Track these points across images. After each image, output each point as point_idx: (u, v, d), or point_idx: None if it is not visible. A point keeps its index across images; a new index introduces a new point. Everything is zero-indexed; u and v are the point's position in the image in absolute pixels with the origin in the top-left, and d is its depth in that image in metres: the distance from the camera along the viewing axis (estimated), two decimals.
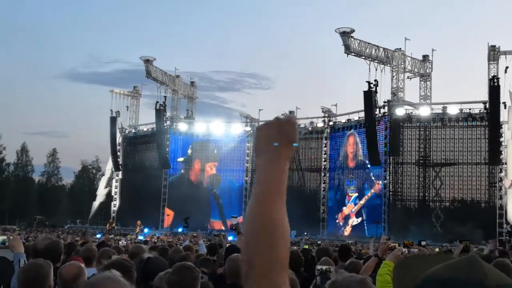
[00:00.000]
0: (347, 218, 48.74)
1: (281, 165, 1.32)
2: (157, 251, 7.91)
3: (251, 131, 54.74)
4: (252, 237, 1.25)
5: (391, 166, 45.74)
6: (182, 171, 57.37)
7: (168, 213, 54.84)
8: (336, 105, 53.22)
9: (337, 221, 49.56)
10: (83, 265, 4.63)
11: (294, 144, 1.38)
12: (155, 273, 4.60)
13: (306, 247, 14.53)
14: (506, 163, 41.78)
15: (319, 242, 26.06)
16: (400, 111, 45.93)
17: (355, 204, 48.22)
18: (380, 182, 46.03)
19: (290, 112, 56.50)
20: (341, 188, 50.25)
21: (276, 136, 1.36)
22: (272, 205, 1.26)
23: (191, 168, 57.53)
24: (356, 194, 48.31)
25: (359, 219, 47.38)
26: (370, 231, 43.64)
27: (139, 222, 42.10)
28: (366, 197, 47.47)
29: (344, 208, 49.12)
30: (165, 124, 55.26)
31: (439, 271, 0.98)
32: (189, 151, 57.23)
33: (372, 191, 46.91)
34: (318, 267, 5.39)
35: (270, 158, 1.33)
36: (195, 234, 12.96)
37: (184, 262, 4.59)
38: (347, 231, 47.92)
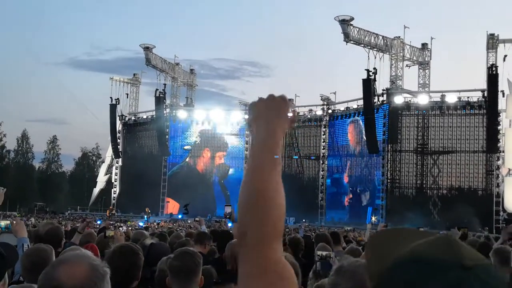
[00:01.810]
0: (346, 202, 49.18)
1: (276, 138, 1.35)
2: (156, 237, 8.04)
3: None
4: (245, 207, 1.26)
5: (389, 154, 45.85)
6: (188, 159, 57.40)
7: (172, 203, 54.79)
8: (335, 93, 53.32)
9: (346, 204, 49.55)
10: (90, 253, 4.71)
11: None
12: (158, 258, 4.71)
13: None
14: (503, 151, 41.93)
15: (321, 229, 26.20)
16: (398, 99, 45.97)
17: (353, 189, 48.49)
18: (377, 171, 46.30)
19: (289, 100, 56.36)
20: (341, 175, 50.38)
21: (271, 110, 1.39)
22: (266, 176, 1.27)
23: (199, 157, 57.55)
24: (355, 179, 48.52)
25: (358, 203, 47.64)
26: (368, 218, 43.85)
27: (147, 209, 42.36)
28: (364, 182, 47.77)
29: (345, 196, 49.24)
30: (164, 112, 55.27)
31: (414, 250, 0.95)
32: (198, 139, 57.16)
33: (369, 177, 47.13)
34: (318, 252, 5.40)
35: (265, 131, 1.35)
36: (197, 219, 13.05)
37: (186, 247, 4.66)
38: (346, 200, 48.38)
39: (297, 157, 53.33)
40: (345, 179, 49.89)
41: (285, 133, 1.40)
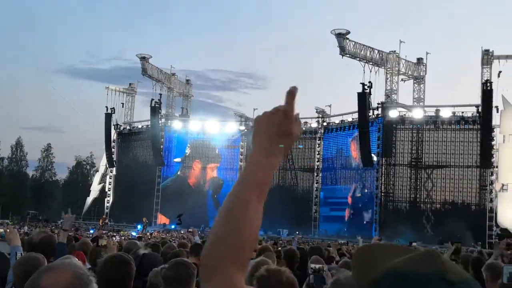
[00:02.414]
0: (344, 216, 48.82)
1: (268, 160, 1.30)
2: (149, 247, 8.02)
3: (245, 130, 54.76)
4: (216, 235, 1.22)
5: (383, 168, 45.89)
6: (179, 172, 57.18)
7: (162, 218, 54.57)
8: (330, 106, 53.44)
9: (346, 219, 49.26)
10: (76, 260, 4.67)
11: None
12: (151, 269, 4.70)
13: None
14: (497, 167, 42.04)
15: (315, 242, 26.15)
16: (393, 113, 46.09)
17: (351, 202, 48.34)
18: (371, 184, 46.18)
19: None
20: (336, 188, 50.29)
21: (271, 126, 1.33)
22: (245, 205, 1.23)
23: (190, 169, 57.36)
24: (352, 193, 48.36)
25: (355, 217, 47.37)
26: (362, 231, 43.76)
27: (144, 218, 42.25)
28: (359, 195, 47.65)
29: (346, 208, 48.96)
30: (160, 122, 55.21)
31: (399, 265, 0.95)
32: (187, 151, 57.01)
33: (365, 190, 47.04)
34: (311, 265, 5.41)
35: (258, 151, 1.31)
36: (190, 230, 13.02)
37: (180, 258, 4.66)
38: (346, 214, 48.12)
39: (291, 169, 53.27)
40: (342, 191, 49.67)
41: (290, 147, 1.35)
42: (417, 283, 0.91)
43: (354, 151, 48.49)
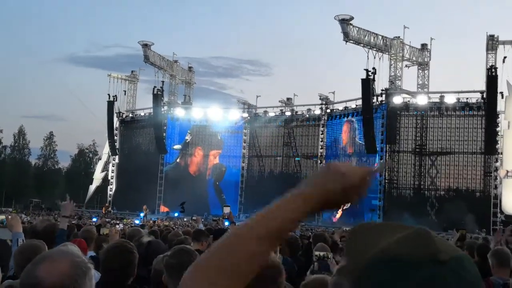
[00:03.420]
0: None
1: (300, 210, 1.16)
2: (151, 234, 7.99)
3: (248, 117, 54.76)
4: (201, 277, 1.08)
5: (387, 154, 45.77)
6: (178, 160, 57.13)
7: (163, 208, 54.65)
8: (333, 93, 53.23)
9: (350, 206, 49.12)
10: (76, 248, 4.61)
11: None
12: (155, 256, 4.65)
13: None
14: (501, 153, 41.94)
15: (318, 229, 26.16)
16: (397, 100, 45.92)
17: None
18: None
19: (288, 99, 56.48)
20: None
21: (340, 186, 1.20)
22: (255, 245, 1.09)
23: (191, 156, 57.30)
24: None
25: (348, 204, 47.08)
26: (366, 219, 43.78)
27: (145, 206, 42.37)
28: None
29: None
30: (162, 109, 55.15)
31: (388, 248, 0.93)
32: (188, 137, 56.93)
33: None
34: (316, 253, 5.37)
35: (298, 195, 1.16)
36: (194, 218, 13.04)
37: (182, 245, 4.61)
38: (338, 214, 47.83)
39: (299, 158, 53.25)
40: None
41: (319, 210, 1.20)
42: (409, 266, 0.89)
43: (345, 134, 48.58)
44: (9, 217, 6.16)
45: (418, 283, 0.87)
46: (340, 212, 47.41)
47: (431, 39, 50.57)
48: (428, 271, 0.88)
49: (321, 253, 5.42)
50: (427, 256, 0.89)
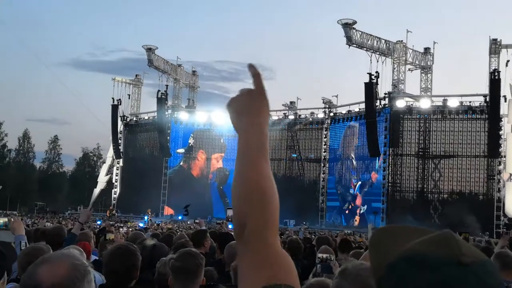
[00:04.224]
0: (355, 207, 48.46)
1: (264, 131, 1.32)
2: (153, 236, 8.04)
3: None
4: (243, 200, 1.24)
5: (390, 158, 45.80)
6: (181, 163, 57.20)
7: (167, 210, 54.72)
8: (337, 96, 53.28)
9: (346, 212, 49.21)
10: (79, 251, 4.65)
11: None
12: (159, 259, 4.70)
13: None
14: (505, 156, 41.88)
15: (321, 232, 26.23)
16: (400, 103, 45.93)
17: (360, 193, 48.14)
18: (376, 175, 46.09)
19: (291, 102, 56.52)
20: (344, 178, 50.29)
21: (252, 103, 1.37)
22: (260, 169, 1.26)
23: (194, 160, 57.38)
24: (360, 183, 48.26)
25: (365, 207, 47.18)
26: (369, 222, 43.75)
27: (149, 210, 42.46)
28: (366, 186, 47.56)
29: (355, 198, 48.76)
30: (166, 113, 55.26)
31: (413, 248, 0.95)
32: (191, 141, 57.01)
33: (371, 181, 46.98)
34: (319, 255, 5.41)
35: (250, 123, 1.33)
36: (197, 221, 13.07)
37: (188, 248, 4.65)
38: (357, 220, 47.74)
39: (295, 155, 53.29)
40: (351, 181, 49.56)
41: (267, 124, 1.36)
42: (432, 266, 0.90)
43: (349, 137, 48.61)
44: (12, 220, 6.21)
45: (439, 283, 0.89)
46: (358, 217, 47.70)
47: (434, 43, 50.71)
48: (450, 272, 0.89)
49: (324, 255, 5.47)
50: (450, 258, 0.90)
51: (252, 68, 1.43)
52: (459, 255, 0.91)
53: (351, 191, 49.21)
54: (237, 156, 1.33)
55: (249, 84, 1.45)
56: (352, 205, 48.72)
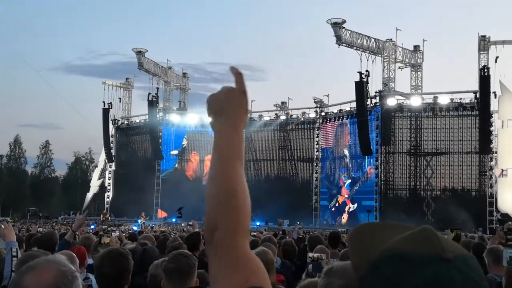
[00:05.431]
0: (343, 205, 48.58)
1: (240, 132, 1.33)
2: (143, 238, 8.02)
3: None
4: (213, 204, 1.23)
5: (382, 156, 45.91)
6: (176, 165, 57.13)
7: (162, 213, 54.61)
8: (328, 96, 53.36)
9: (332, 209, 49.36)
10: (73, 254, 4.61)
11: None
12: (151, 263, 4.69)
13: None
14: (496, 152, 42.09)
15: (315, 232, 26.23)
16: (391, 101, 46.07)
17: (349, 190, 48.20)
18: (372, 170, 46.15)
19: (283, 103, 56.57)
20: (334, 176, 50.36)
21: (230, 103, 1.36)
22: (233, 171, 1.26)
23: (187, 162, 57.24)
24: (350, 181, 48.34)
25: (355, 205, 47.26)
26: (361, 220, 43.83)
27: (143, 213, 42.35)
28: (358, 184, 47.64)
29: (339, 196, 49.00)
30: (157, 116, 55.18)
31: (395, 246, 0.94)
32: (185, 143, 56.97)
33: (366, 176, 47.03)
34: (310, 254, 5.41)
35: (228, 125, 1.33)
36: (191, 223, 13.00)
37: (180, 250, 4.64)
38: (344, 218, 47.82)
39: (290, 159, 53.37)
40: (340, 178, 49.64)
41: (245, 125, 1.37)
42: (415, 264, 0.90)
43: (340, 136, 48.63)
44: (2, 226, 6.18)
45: (423, 280, 0.89)
46: (346, 215, 47.73)
47: (423, 40, 50.84)
48: (434, 268, 0.89)
49: (315, 255, 5.47)
50: (433, 254, 0.91)
51: (233, 68, 1.43)
52: (441, 251, 0.91)
53: (339, 186, 49.30)
54: (211, 158, 1.34)
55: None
56: (339, 202, 48.77)
